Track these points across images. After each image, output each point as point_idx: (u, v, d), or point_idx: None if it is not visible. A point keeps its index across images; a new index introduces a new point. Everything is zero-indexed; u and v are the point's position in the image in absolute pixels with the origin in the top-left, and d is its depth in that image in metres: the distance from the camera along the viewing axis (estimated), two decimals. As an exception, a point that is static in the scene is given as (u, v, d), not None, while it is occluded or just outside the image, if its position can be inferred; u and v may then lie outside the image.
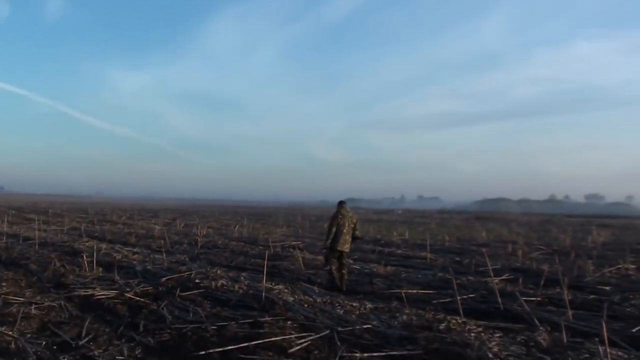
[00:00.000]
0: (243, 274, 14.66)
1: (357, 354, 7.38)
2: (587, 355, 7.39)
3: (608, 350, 6.46)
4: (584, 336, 8.73)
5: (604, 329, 6.72)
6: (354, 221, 14.02)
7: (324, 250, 14.34)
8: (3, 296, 11.01)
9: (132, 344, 8.02)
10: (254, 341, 7.87)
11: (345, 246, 13.68)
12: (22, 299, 10.88)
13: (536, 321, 9.46)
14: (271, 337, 8.09)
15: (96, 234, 28.35)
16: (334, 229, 13.63)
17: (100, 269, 14.82)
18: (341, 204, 14.18)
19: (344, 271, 13.76)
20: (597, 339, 7.71)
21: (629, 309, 11.13)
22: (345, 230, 13.66)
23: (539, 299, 11.86)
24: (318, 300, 11.08)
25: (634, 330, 9.20)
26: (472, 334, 8.25)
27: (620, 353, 7.57)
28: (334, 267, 13.76)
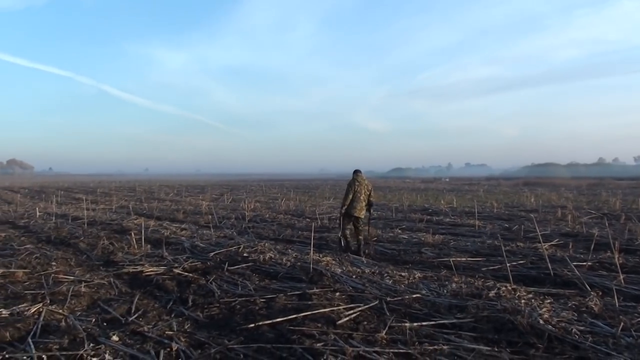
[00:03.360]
0: (291, 246, 14.74)
1: (406, 324, 7.33)
2: (639, 319, 7.28)
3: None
4: (636, 300, 8.67)
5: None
6: (369, 188, 14.48)
7: (339, 218, 14.94)
8: (53, 275, 11.12)
9: (182, 319, 8.04)
10: (302, 313, 7.85)
11: (362, 212, 14.22)
12: (72, 277, 10.97)
13: (587, 286, 9.36)
14: (320, 309, 8.06)
15: (144, 212, 28.66)
16: (350, 196, 14.08)
17: (149, 245, 14.96)
18: (356, 172, 14.56)
19: (360, 237, 14.22)
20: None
21: (681, 271, 10.94)
22: (361, 197, 14.16)
23: (589, 263, 11.69)
24: (366, 271, 11.06)
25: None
26: (523, 301, 8.16)
27: (674, 316, 7.46)
28: (347, 233, 14.35)
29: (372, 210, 14.91)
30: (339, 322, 7.50)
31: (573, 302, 8.33)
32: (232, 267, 11.59)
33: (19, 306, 8.52)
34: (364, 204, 14.27)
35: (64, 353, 6.36)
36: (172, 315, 8.27)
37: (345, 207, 14.18)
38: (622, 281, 9.88)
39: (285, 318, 7.66)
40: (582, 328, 6.95)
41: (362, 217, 14.38)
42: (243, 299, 8.94)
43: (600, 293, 8.95)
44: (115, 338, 6.97)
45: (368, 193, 14.39)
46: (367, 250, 14.12)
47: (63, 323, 7.70)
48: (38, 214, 26.10)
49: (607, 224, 17.20)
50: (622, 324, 7.01)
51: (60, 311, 8.36)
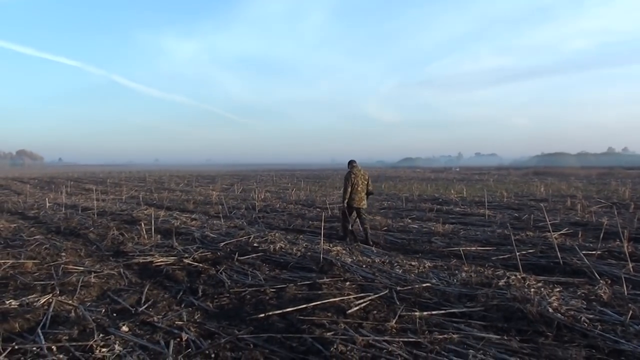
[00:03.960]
0: (301, 236, 14.77)
1: (416, 313, 7.34)
2: None
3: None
4: (645, 288, 8.64)
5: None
6: (367, 178, 14.63)
7: (341, 211, 15.00)
8: (63, 265, 11.15)
9: (191, 309, 8.06)
10: (312, 303, 7.87)
11: (362, 203, 14.41)
12: (81, 268, 11.01)
13: (596, 275, 9.36)
14: (330, 298, 8.09)
15: (154, 202, 28.71)
16: (349, 188, 14.23)
17: (159, 236, 15.02)
18: (352, 163, 14.72)
19: (365, 226, 14.37)
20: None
21: (691, 259, 10.94)
22: (359, 188, 14.34)
23: (598, 252, 11.71)
24: (376, 261, 11.08)
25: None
26: (532, 290, 8.17)
27: (683, 304, 7.47)
28: (348, 225, 14.55)
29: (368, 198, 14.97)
30: (349, 311, 7.52)
31: (582, 291, 8.36)
32: (242, 257, 11.62)
33: (29, 297, 8.57)
34: (363, 194, 14.44)
35: (74, 344, 6.39)
36: (182, 306, 8.30)
37: (346, 200, 14.34)
38: (631, 269, 9.90)
39: (295, 308, 7.68)
40: (591, 316, 6.98)
41: (364, 207, 14.52)
42: (253, 289, 8.97)
43: (609, 281, 8.96)
44: (125, 328, 7.01)
45: (366, 182, 14.55)
46: (374, 239, 14.17)
47: (73, 314, 7.73)
48: (48, 204, 26.18)
49: (616, 213, 17.13)
50: (630, 312, 7.05)
51: (70, 302, 8.39)
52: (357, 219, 14.67)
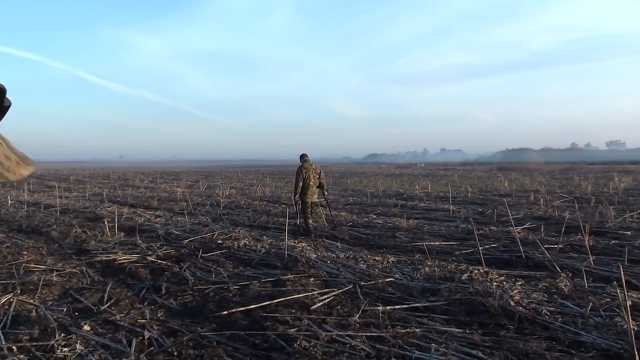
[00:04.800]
0: (266, 233, 14.80)
1: (379, 307, 7.38)
2: (608, 300, 7.46)
3: (628, 293, 6.39)
4: (605, 281, 8.82)
5: (622, 273, 6.63)
6: (318, 172, 14.77)
7: (295, 205, 15.66)
8: (24, 264, 11.02)
9: (154, 307, 8.01)
10: (276, 299, 7.87)
11: (314, 197, 14.71)
12: (43, 267, 10.91)
13: (557, 268, 9.50)
14: (294, 295, 8.09)
15: (118, 199, 28.43)
16: (300, 183, 14.46)
17: (122, 233, 14.88)
18: (304, 157, 14.90)
19: (313, 215, 14.71)
20: (615, 283, 7.71)
21: (650, 253, 11.11)
22: (311, 183, 14.51)
23: (560, 246, 11.84)
24: (341, 256, 11.11)
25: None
26: (494, 283, 8.27)
27: (641, 296, 7.60)
28: (309, 221, 14.74)
29: (326, 192, 15.00)
30: (313, 307, 7.53)
31: (544, 284, 8.46)
32: (206, 254, 11.58)
33: (-11, 297, 8.46)
34: (314, 188, 14.63)
35: (35, 344, 6.33)
36: (145, 304, 8.25)
37: (298, 194, 14.59)
38: (592, 263, 10.05)
39: (259, 305, 7.68)
40: (552, 309, 7.07)
41: (316, 200, 14.89)
42: (217, 286, 8.96)
43: (570, 274, 9.08)
44: (86, 327, 6.95)
45: (317, 176, 14.68)
46: (339, 235, 14.33)
47: (34, 313, 7.65)
48: (9, 202, 25.81)
49: (577, 208, 17.34)
50: (591, 304, 7.16)
51: (31, 301, 8.31)
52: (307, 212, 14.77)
